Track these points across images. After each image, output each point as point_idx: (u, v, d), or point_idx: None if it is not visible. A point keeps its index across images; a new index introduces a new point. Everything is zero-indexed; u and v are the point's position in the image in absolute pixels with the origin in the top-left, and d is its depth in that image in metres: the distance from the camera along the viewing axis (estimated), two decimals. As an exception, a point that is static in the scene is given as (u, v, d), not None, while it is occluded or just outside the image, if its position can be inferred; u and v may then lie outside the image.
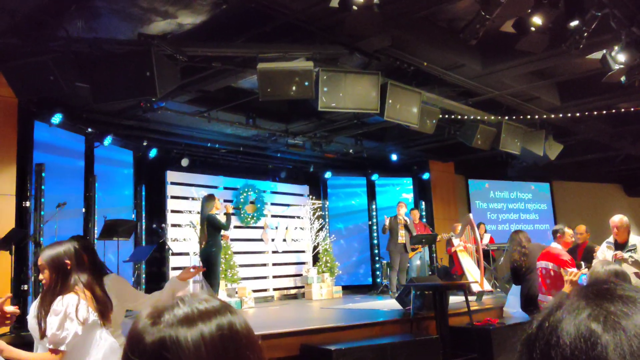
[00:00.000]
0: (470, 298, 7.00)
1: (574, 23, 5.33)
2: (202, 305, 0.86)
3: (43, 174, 7.09)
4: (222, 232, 7.71)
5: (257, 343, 0.88)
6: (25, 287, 6.61)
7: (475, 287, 8.55)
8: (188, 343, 0.80)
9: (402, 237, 9.98)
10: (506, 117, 8.92)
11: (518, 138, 9.22)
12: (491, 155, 11.45)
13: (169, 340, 0.81)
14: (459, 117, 8.64)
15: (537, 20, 5.10)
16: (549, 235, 14.22)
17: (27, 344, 3.04)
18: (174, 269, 9.52)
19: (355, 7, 4.79)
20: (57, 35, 5.66)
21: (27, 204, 6.89)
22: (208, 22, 6.00)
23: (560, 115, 8.83)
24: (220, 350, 0.82)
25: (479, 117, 8.66)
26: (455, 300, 7.48)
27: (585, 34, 5.45)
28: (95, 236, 7.80)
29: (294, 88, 6.10)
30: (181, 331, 0.81)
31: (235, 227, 10.49)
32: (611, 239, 5.72)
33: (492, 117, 8.81)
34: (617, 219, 5.68)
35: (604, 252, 5.76)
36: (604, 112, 8.70)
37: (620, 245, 5.59)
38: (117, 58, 5.66)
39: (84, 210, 8.05)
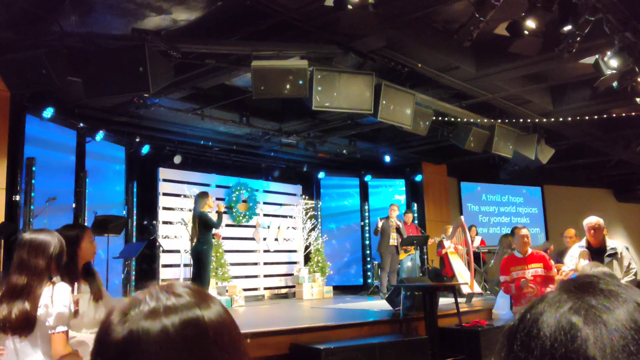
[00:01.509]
0: (459, 300, 7.02)
1: (568, 27, 5.36)
2: (170, 301, 0.84)
3: (34, 168, 7.05)
4: (214, 230, 7.69)
5: (230, 339, 0.85)
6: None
7: (465, 289, 8.58)
8: (149, 337, 0.79)
9: (394, 239, 10.03)
10: (499, 120, 8.96)
11: (510, 141, 9.27)
12: (483, 158, 11.51)
13: (132, 335, 0.80)
14: (452, 119, 8.67)
15: (530, 23, 5.13)
16: (540, 239, 14.34)
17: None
18: (164, 266, 9.49)
19: (350, 6, 4.79)
20: (51, 29, 5.63)
21: (17, 197, 6.86)
22: (203, 19, 5.99)
23: (553, 119, 8.88)
24: (183, 345, 0.80)
25: (472, 120, 8.69)
26: (445, 301, 7.49)
27: (579, 39, 5.49)
28: (86, 232, 7.75)
29: (287, 87, 6.09)
30: (145, 325, 0.80)
31: (227, 225, 10.47)
32: (584, 242, 5.21)
33: (485, 120, 8.85)
34: (594, 220, 5.16)
35: (574, 257, 5.17)
36: (596, 117, 8.76)
37: (596, 250, 5.06)
38: (111, 53, 5.64)
39: (74, 205, 8.01)
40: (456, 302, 6.50)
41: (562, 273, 3.89)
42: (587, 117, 8.72)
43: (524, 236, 5.76)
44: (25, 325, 2.52)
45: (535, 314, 0.77)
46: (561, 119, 8.76)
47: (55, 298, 2.60)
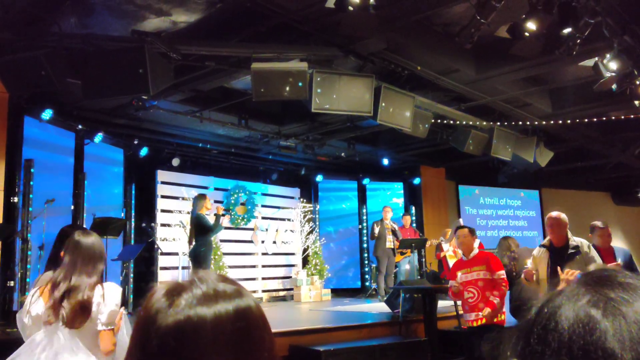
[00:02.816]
0: (458, 302, 7.01)
1: (567, 30, 5.37)
2: (220, 286, 0.84)
3: (32, 170, 7.03)
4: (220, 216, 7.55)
5: (269, 327, 0.86)
6: (12, 283, 6.54)
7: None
8: (207, 327, 0.78)
9: (390, 242, 10.07)
10: (498, 123, 8.97)
11: (509, 144, 9.28)
12: (482, 162, 11.52)
13: (187, 322, 0.78)
14: (452, 122, 8.68)
15: (531, 25, 5.13)
16: (537, 242, 14.32)
17: (13, 341, 3.00)
18: (163, 268, 9.46)
19: (351, 8, 4.79)
20: (50, 30, 5.62)
21: (15, 199, 6.83)
22: (203, 21, 5.99)
23: (552, 122, 8.89)
24: (237, 332, 0.80)
25: (471, 123, 8.70)
26: (443, 304, 7.48)
27: (578, 41, 5.50)
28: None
29: (287, 89, 6.09)
30: (200, 312, 0.79)
31: (225, 228, 10.43)
32: (546, 240, 4.77)
33: (485, 123, 8.86)
34: (554, 215, 4.66)
35: (536, 260, 4.72)
36: (595, 119, 8.78)
37: (557, 250, 4.58)
38: (110, 54, 5.63)
39: (72, 207, 7.98)
40: (455, 305, 6.49)
41: (569, 273, 3.65)
42: (586, 120, 8.74)
43: (460, 236, 5.39)
44: (81, 315, 2.66)
45: (553, 307, 0.77)
46: (560, 122, 8.78)
47: (107, 297, 2.76)
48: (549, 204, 14.98)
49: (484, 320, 5.00)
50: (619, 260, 5.14)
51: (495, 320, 5.04)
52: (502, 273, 5.16)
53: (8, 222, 6.59)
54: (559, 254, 4.52)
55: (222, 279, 0.87)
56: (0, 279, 6.44)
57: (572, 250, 4.50)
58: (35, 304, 2.68)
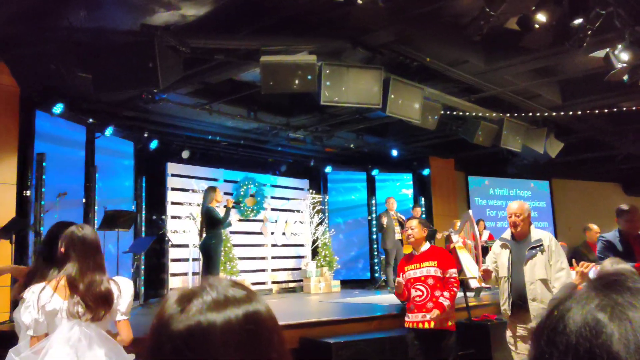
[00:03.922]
0: (468, 294, 7.02)
1: (578, 21, 5.33)
2: (230, 292, 0.87)
3: (44, 164, 7.09)
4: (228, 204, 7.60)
5: (280, 330, 0.89)
6: (25, 276, 6.61)
7: (474, 283, 8.57)
8: (216, 332, 0.81)
9: (398, 233, 10.09)
10: (508, 114, 8.92)
11: (519, 135, 9.23)
12: (491, 152, 11.48)
13: (198, 327, 0.82)
14: (461, 113, 8.64)
15: (541, 17, 5.10)
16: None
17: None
18: (173, 260, 9.54)
19: (360, 1, 4.77)
20: (60, 24, 5.65)
21: (28, 193, 6.90)
22: (211, 14, 5.98)
23: (562, 113, 8.83)
24: (246, 337, 0.83)
25: (480, 114, 8.66)
26: (453, 296, 7.49)
27: (589, 32, 5.45)
28: (96, 226, 7.80)
29: (296, 82, 6.09)
30: (210, 317, 0.82)
31: (238, 220, 10.50)
32: (507, 233, 4.42)
33: (494, 114, 8.81)
34: (514, 206, 4.31)
35: (495, 255, 4.44)
36: (606, 110, 8.71)
37: (519, 242, 4.27)
38: (120, 48, 5.66)
39: (84, 200, 8.06)
40: (465, 297, 6.51)
41: (584, 266, 3.49)
42: (596, 111, 8.67)
43: (409, 227, 4.84)
44: (105, 306, 2.75)
45: (563, 311, 0.78)
46: (571, 113, 8.71)
47: (123, 289, 2.88)
48: (560, 195, 14.92)
49: (432, 324, 4.48)
50: None
51: (445, 325, 4.54)
52: (454, 272, 4.64)
53: (21, 216, 6.67)
54: (520, 249, 4.23)
55: (232, 285, 0.90)
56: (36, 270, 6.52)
57: (535, 245, 4.16)
58: (49, 299, 2.70)
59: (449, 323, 4.59)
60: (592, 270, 3.53)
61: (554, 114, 8.97)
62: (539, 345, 0.78)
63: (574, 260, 4.07)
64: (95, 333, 2.70)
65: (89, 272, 2.78)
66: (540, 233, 4.28)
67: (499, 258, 4.37)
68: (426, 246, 4.75)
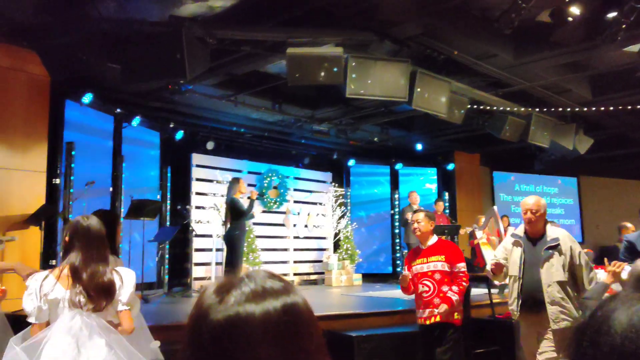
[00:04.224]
0: (492, 291, 6.95)
1: (612, 14, 5.20)
2: (268, 284, 0.87)
3: (73, 153, 7.22)
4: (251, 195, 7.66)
5: (316, 322, 0.89)
6: (54, 262, 6.76)
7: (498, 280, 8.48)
8: (255, 323, 0.81)
9: None
10: (536, 109, 8.77)
11: (548, 131, 9.07)
12: (518, 148, 11.29)
13: (237, 318, 0.82)
14: (488, 107, 8.52)
15: (574, 10, 4.98)
16: (574, 231, 14.05)
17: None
18: (197, 250, 9.64)
19: (388, -7, 4.73)
20: (90, 15, 5.72)
21: (57, 181, 7.03)
22: (238, 5, 5.99)
23: (593, 108, 8.65)
24: (285, 333, 0.82)
25: (508, 109, 8.53)
26: (477, 292, 7.42)
27: (623, 26, 5.32)
28: (122, 215, 7.93)
29: (322, 74, 6.07)
30: (249, 309, 0.82)
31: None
32: (520, 230, 4.18)
33: (522, 109, 8.67)
34: (530, 201, 4.06)
35: (506, 250, 4.21)
36: (638, 106, 8.49)
37: (533, 240, 4.05)
38: (148, 39, 5.71)
39: (111, 189, 8.19)
40: (489, 293, 6.45)
41: (616, 265, 3.40)
42: (628, 107, 8.46)
43: (415, 220, 4.60)
44: (107, 297, 2.77)
45: (607, 312, 0.76)
46: (602, 109, 8.52)
47: (125, 279, 2.87)
48: (588, 192, 14.64)
49: (438, 318, 4.32)
50: None
51: (451, 318, 4.36)
52: (462, 266, 4.44)
53: (50, 203, 6.80)
54: (534, 248, 4.00)
55: (270, 276, 0.89)
56: (42, 258, 6.67)
57: (552, 244, 3.92)
58: (52, 288, 2.74)
59: (455, 316, 4.40)
60: (625, 270, 3.44)
61: (585, 109, 8.78)
62: (580, 347, 0.77)
63: (605, 259, 3.93)
64: (97, 323, 2.72)
65: (92, 263, 2.81)
66: (557, 231, 4.04)
67: (511, 255, 4.13)
68: (433, 240, 4.55)
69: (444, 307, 4.25)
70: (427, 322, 4.39)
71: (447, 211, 12.17)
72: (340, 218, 11.85)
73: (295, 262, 11.30)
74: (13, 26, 6.01)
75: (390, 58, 6.67)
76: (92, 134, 8.07)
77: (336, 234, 11.82)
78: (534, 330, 4.01)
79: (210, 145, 9.98)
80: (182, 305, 7.50)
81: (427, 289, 4.37)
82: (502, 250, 4.27)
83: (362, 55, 6.40)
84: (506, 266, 4.14)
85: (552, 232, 4.01)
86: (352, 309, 6.89)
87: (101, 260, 2.84)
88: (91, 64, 5.71)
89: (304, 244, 11.57)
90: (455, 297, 4.30)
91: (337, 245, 11.70)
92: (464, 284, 4.39)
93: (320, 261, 11.54)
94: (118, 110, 8.32)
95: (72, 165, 7.19)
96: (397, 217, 12.51)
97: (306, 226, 11.61)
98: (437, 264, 4.39)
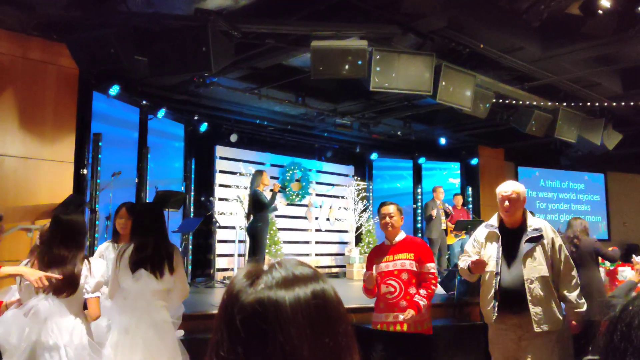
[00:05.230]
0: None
1: (645, 6, 5.08)
2: (298, 271, 0.89)
3: (100, 144, 7.35)
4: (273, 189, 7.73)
5: (344, 308, 0.91)
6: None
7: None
8: (286, 305, 0.83)
9: (444, 222, 10.05)
10: (564, 104, 8.61)
11: (575, 126, 8.90)
12: (543, 143, 11.12)
13: (267, 301, 0.84)
14: (514, 102, 8.40)
15: (605, 2, 4.88)
16: (600, 228, 13.81)
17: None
18: (220, 241, 9.75)
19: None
20: (118, 9, 5.81)
21: (85, 171, 7.18)
22: (263, -1, 6.02)
23: (623, 103, 8.46)
24: (315, 314, 0.84)
25: (534, 103, 8.40)
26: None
27: (656, 19, 5.19)
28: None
29: (346, 67, 6.06)
30: (280, 293, 0.84)
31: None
32: (494, 219, 3.75)
33: (549, 103, 8.52)
34: (509, 188, 3.64)
35: (477, 243, 3.76)
36: (670, 101, 8.29)
37: (511, 232, 3.63)
38: (174, 33, 5.76)
39: (136, 180, 8.32)
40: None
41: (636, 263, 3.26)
42: (660, 102, 8.26)
43: (385, 214, 4.18)
44: (70, 286, 3.10)
45: (638, 306, 0.76)
46: (632, 103, 8.33)
47: (94, 270, 3.24)
48: (615, 189, 14.36)
49: (405, 327, 3.85)
50: None
51: (420, 328, 3.91)
52: (432, 266, 4.02)
53: (78, 193, 6.94)
54: (513, 239, 3.58)
55: (300, 264, 0.91)
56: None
57: (533, 235, 3.52)
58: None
59: (425, 326, 3.95)
60: None
61: (614, 104, 8.60)
62: (611, 341, 0.77)
63: (633, 257, 3.82)
64: (57, 308, 3.04)
65: (54, 250, 3.13)
66: (539, 221, 3.66)
67: (485, 248, 3.68)
68: (401, 236, 4.14)
69: (410, 313, 3.79)
70: (391, 329, 3.91)
71: (471, 206, 12.07)
72: (362, 212, 11.85)
73: (316, 255, 11.36)
74: (45, 20, 6.13)
75: (415, 51, 6.62)
76: (119, 126, 8.20)
77: (358, 228, 11.83)
78: (513, 333, 3.54)
79: (233, 137, 10.07)
80: (205, 295, 7.60)
81: (392, 289, 3.93)
82: (472, 244, 3.81)
83: (386, 49, 6.36)
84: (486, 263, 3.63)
85: (533, 222, 3.62)
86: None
87: (65, 249, 3.13)
88: (119, 57, 5.79)
89: (326, 237, 11.61)
90: (423, 302, 3.86)
91: (358, 239, 11.71)
92: (432, 287, 3.97)
93: (342, 254, 11.57)
94: (144, 102, 8.44)
95: (99, 156, 7.33)
96: (419, 211, 12.46)
97: (328, 219, 11.64)
98: (405, 262, 3.97)
